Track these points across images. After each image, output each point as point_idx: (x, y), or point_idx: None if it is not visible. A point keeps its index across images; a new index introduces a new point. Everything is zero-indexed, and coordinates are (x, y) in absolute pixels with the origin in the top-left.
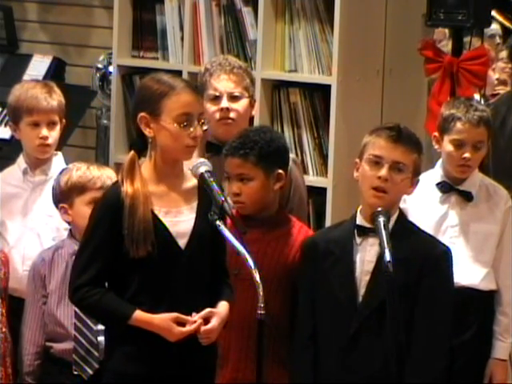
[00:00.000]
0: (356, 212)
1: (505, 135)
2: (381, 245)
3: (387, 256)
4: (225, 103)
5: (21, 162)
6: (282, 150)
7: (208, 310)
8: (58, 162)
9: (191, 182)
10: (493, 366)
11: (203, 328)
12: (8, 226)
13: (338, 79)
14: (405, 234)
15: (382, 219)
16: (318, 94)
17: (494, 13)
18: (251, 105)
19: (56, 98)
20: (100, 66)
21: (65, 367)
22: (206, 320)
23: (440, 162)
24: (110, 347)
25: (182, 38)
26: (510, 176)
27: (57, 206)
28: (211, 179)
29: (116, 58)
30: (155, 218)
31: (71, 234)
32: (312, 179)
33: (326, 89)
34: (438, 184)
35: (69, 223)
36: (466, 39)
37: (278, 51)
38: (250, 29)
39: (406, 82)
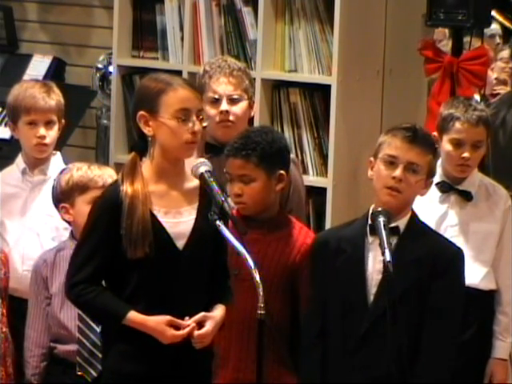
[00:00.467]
0: (368, 211)
1: (505, 135)
2: (381, 245)
3: (387, 256)
4: (224, 106)
5: (19, 161)
6: (283, 150)
7: (202, 314)
8: (56, 161)
9: (193, 182)
10: (493, 365)
11: (197, 332)
12: (7, 226)
13: (337, 79)
14: (417, 234)
15: (382, 219)
16: (318, 93)
17: (494, 13)
18: (250, 106)
19: (54, 98)
20: (100, 65)
21: (68, 368)
22: (200, 324)
23: (439, 161)
24: (106, 346)
25: (182, 38)
26: (509, 175)
27: (57, 206)
28: (211, 179)
29: (116, 58)
30: (154, 218)
31: (72, 236)
32: (312, 179)
33: (326, 89)
34: (437, 184)
35: (69, 223)
36: (466, 39)
37: (277, 51)
38: (250, 29)
39: (406, 82)
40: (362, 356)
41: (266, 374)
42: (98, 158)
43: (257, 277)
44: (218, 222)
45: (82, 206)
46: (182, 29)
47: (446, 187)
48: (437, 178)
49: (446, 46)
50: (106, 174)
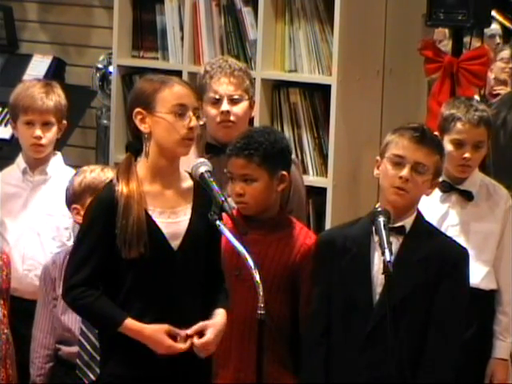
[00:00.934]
0: (373, 210)
1: (505, 135)
2: (381, 245)
3: (387, 256)
4: (225, 106)
5: (20, 161)
6: (285, 151)
7: (201, 323)
8: (56, 161)
9: (187, 182)
10: (493, 365)
11: (198, 342)
12: (8, 226)
13: (337, 79)
14: (423, 234)
15: (381, 219)
16: (318, 94)
17: (494, 13)
18: (251, 106)
19: (53, 99)
20: (100, 66)
21: (70, 369)
22: (201, 333)
23: None
24: (103, 350)
25: (182, 38)
26: (510, 175)
27: (69, 208)
28: (211, 179)
29: (116, 58)
30: (149, 218)
31: None
32: (312, 179)
33: (326, 89)
34: None
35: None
36: (466, 39)
37: (277, 51)
38: (250, 29)
39: (405, 82)
40: (368, 355)
41: (266, 374)
42: (98, 158)
43: (257, 277)
44: (218, 222)
45: None
46: (182, 29)
47: (446, 187)
48: None
49: (446, 45)
50: None
